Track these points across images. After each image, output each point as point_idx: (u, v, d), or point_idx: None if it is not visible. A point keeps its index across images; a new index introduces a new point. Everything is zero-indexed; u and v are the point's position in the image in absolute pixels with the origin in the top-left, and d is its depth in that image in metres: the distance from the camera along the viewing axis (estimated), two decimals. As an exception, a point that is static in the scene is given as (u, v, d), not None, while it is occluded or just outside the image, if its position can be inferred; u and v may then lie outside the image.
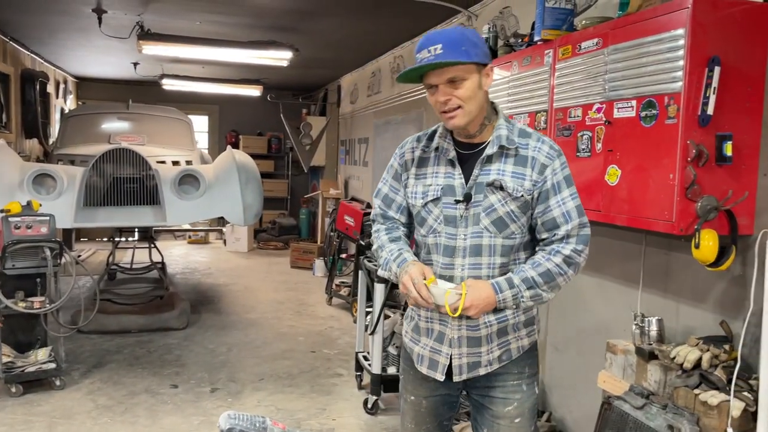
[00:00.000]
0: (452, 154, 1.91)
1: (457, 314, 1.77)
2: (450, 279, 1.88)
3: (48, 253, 3.96)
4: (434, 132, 1.98)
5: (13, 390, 3.87)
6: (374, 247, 2.06)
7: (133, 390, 4.09)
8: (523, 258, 1.93)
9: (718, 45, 2.23)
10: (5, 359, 3.95)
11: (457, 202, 1.87)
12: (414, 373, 2.04)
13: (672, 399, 2.38)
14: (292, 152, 10.90)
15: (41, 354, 4.12)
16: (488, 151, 1.86)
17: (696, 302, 2.65)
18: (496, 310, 1.87)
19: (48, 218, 4.02)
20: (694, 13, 2.22)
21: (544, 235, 1.88)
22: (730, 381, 2.22)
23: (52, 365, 4.04)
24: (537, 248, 1.91)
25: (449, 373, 1.94)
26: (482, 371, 1.93)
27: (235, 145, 11.26)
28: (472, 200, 1.86)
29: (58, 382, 4.04)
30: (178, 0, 5.18)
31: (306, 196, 10.78)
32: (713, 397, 2.21)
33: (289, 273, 8.42)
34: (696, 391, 2.28)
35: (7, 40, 6.97)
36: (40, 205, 4.17)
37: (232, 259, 9.51)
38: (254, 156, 11.10)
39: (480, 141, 1.89)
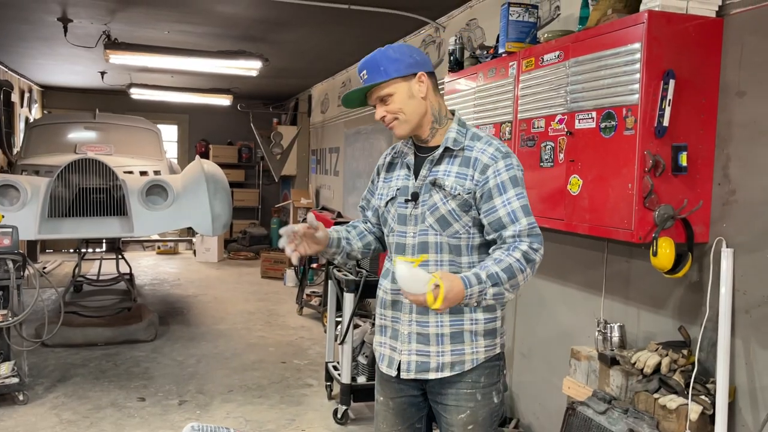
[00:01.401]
0: (408, 158, 2.04)
1: (437, 305, 1.67)
2: None
3: (11, 265, 3.89)
4: None
5: (-26, 406, 3.78)
6: None
7: (98, 404, 4.02)
8: (476, 261, 1.93)
9: (673, 58, 2.31)
10: (-34, 374, 3.87)
11: (407, 201, 1.98)
12: (380, 374, 2.09)
13: (633, 403, 2.43)
14: (262, 161, 10.86)
15: (4, 368, 4.03)
16: (436, 154, 1.96)
17: (656, 308, 2.71)
18: (451, 311, 1.90)
19: (11, 230, 3.95)
20: (649, 28, 2.30)
21: (492, 236, 1.91)
22: (688, 385, 2.28)
23: (15, 380, 3.96)
24: (490, 250, 1.92)
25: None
26: (432, 375, 1.94)
27: (206, 155, 11.18)
28: (420, 200, 1.95)
29: (21, 397, 3.96)
30: (146, 9, 5.15)
31: (277, 206, 10.75)
32: (672, 401, 2.27)
33: (260, 283, 8.37)
34: (655, 395, 2.35)
35: (-30, 49, 6.84)
36: (3, 216, 4.09)
37: (202, 269, 9.42)
38: (225, 165, 11.12)
39: (434, 144, 2.00)
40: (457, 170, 1.92)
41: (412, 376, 1.97)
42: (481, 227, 1.93)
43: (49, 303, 6.21)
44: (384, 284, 2.05)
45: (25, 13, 5.36)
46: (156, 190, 5.06)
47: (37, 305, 4.18)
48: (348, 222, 2.26)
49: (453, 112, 2.04)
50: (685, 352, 2.42)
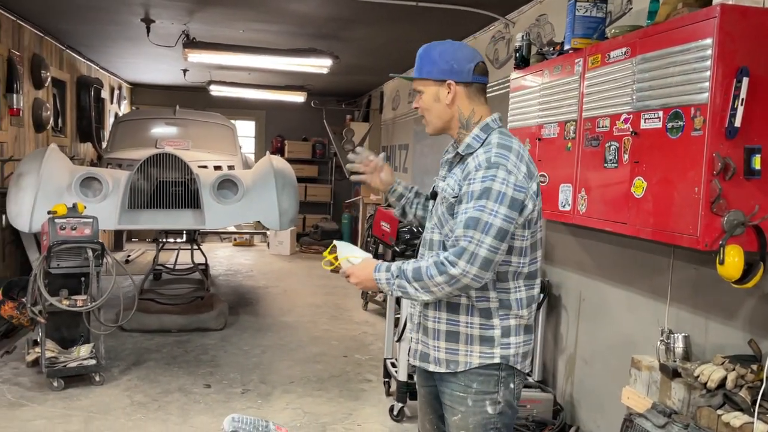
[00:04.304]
0: (445, 157, 2.13)
1: (330, 268, 2.10)
2: None
3: (90, 253, 4.12)
4: None
5: (55, 384, 4.03)
6: None
7: (167, 388, 4.21)
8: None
9: (747, 55, 2.17)
10: (49, 354, 4.13)
11: (427, 199, 2.18)
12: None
13: (695, 419, 2.31)
14: (335, 157, 11.02)
15: (83, 350, 4.29)
16: (449, 156, 2.10)
17: (725, 320, 2.56)
18: (448, 310, 1.96)
19: (91, 220, 4.19)
20: (722, 23, 2.17)
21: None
22: (755, 402, 2.14)
23: (93, 362, 4.20)
24: None
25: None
26: (431, 367, 2.01)
27: (281, 150, 11.46)
28: (437, 199, 2.04)
29: (97, 378, 4.19)
30: (222, 9, 5.33)
31: (347, 201, 10.88)
32: (736, 419, 2.14)
33: (329, 277, 8.50)
34: (719, 411, 2.22)
35: (64, 49, 7.29)
36: (85, 207, 4.34)
37: (275, 262, 9.67)
38: (299, 161, 11.48)
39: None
40: (459, 174, 1.95)
41: (416, 363, 2.08)
42: None
43: (131, 290, 6.53)
44: None
45: (111, 15, 5.67)
46: (227, 185, 5.23)
47: (117, 292, 4.42)
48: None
49: (482, 119, 2.01)
50: (754, 367, 2.28)
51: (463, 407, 1.95)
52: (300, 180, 11.44)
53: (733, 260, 2.16)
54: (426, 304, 2.00)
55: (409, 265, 1.87)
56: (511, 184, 1.82)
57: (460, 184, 1.91)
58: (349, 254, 2.07)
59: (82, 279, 4.27)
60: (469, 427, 1.94)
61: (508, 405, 1.97)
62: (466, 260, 1.78)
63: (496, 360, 1.94)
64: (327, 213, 11.76)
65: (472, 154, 1.94)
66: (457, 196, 1.90)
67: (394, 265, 1.90)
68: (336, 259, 2.07)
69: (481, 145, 1.94)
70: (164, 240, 7.23)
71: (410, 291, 1.86)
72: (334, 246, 2.13)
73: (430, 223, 2.06)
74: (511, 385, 1.97)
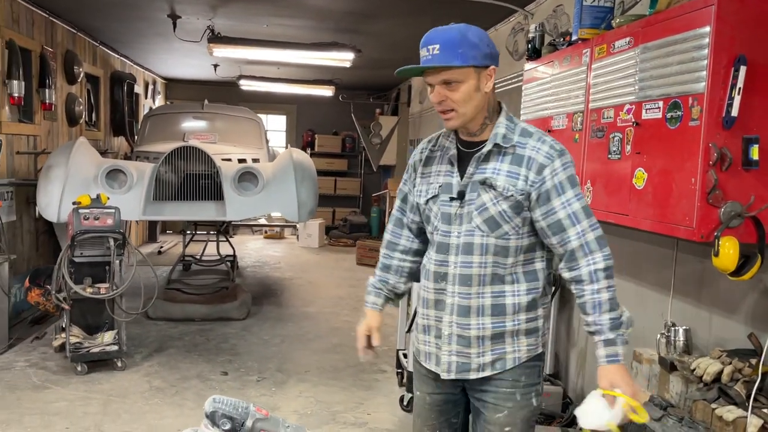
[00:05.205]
0: (452, 152, 1.91)
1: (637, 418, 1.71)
2: (443, 276, 1.89)
3: (112, 243, 4.26)
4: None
5: (79, 368, 4.19)
6: None
7: (186, 374, 4.32)
8: (521, 261, 1.87)
9: (744, 43, 2.13)
10: (74, 339, 4.28)
11: (452, 199, 1.87)
12: (420, 369, 2.06)
13: (691, 412, 2.28)
14: (365, 151, 11.08)
15: (107, 337, 4.43)
16: (484, 150, 1.84)
17: (728, 313, 2.52)
18: (493, 314, 1.85)
19: (113, 211, 4.32)
20: (719, 11, 2.13)
21: (553, 240, 1.82)
22: (749, 396, 2.11)
23: (115, 347, 4.34)
24: (561, 264, 1.85)
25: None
26: (473, 375, 1.90)
27: (311, 144, 11.58)
28: (466, 198, 1.85)
29: (119, 363, 4.33)
30: (245, 4, 5.42)
31: (376, 195, 10.93)
32: (729, 413, 2.11)
33: (354, 270, 8.57)
34: (713, 405, 2.19)
35: (98, 45, 7.50)
36: (108, 198, 4.48)
37: (303, 254, 9.79)
38: (329, 155, 11.58)
39: (481, 140, 1.87)
40: (508, 169, 1.81)
41: (452, 376, 1.91)
42: (532, 228, 1.85)
43: (161, 280, 6.70)
44: (426, 284, 1.96)
45: (140, 11, 5.81)
46: (248, 177, 5.32)
47: (146, 282, 4.56)
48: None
49: (500, 105, 1.90)
50: (753, 361, 2.24)
51: (511, 402, 1.88)
52: (330, 174, 11.70)
53: (727, 252, 2.13)
54: (465, 313, 1.87)
55: (598, 310, 1.77)
56: (574, 166, 1.85)
57: (529, 181, 1.79)
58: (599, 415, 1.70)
59: (107, 268, 4.42)
60: (516, 422, 1.89)
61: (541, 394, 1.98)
62: (604, 245, 1.80)
63: (539, 350, 1.92)
64: (356, 206, 11.84)
65: (514, 146, 1.82)
66: (524, 193, 1.79)
67: (604, 327, 1.76)
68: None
69: (516, 134, 1.84)
70: (192, 232, 7.39)
71: (623, 318, 1.79)
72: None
73: (458, 226, 1.86)
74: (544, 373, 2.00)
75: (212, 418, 1.67)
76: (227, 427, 1.66)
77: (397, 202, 2.13)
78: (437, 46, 1.76)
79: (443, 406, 2.03)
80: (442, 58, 1.75)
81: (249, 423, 1.65)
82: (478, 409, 1.96)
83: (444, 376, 1.93)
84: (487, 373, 1.88)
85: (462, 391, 2.01)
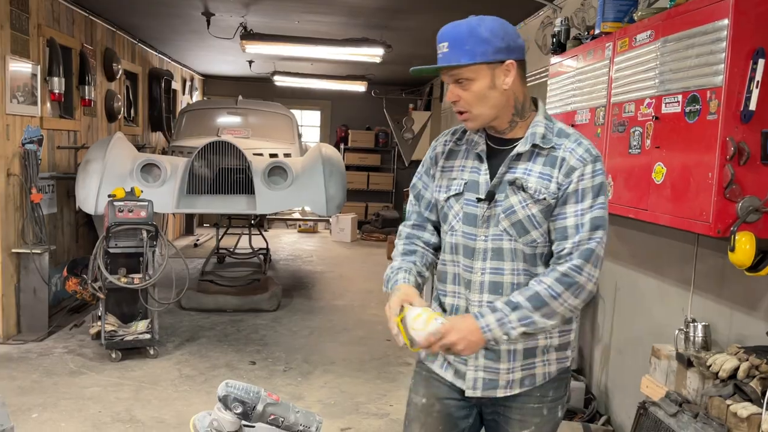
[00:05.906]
0: (481, 147, 1.76)
1: (422, 347, 1.59)
2: (468, 283, 1.75)
3: (145, 234, 4.40)
4: None
5: (113, 356, 4.35)
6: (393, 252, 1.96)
7: (215, 363, 4.44)
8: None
9: (763, 36, 2.09)
10: (109, 328, 4.44)
11: (479, 200, 1.72)
12: (427, 373, 1.87)
13: (706, 408, 2.27)
14: (397, 146, 11.11)
15: (141, 325, 4.58)
16: (519, 148, 1.70)
17: (749, 309, 2.49)
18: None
19: (147, 203, 4.46)
20: (737, 3, 2.10)
21: (553, 246, 1.70)
22: (765, 393, 2.08)
23: (148, 336, 4.49)
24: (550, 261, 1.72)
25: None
26: (500, 393, 1.76)
27: (345, 140, 11.67)
28: (495, 199, 1.71)
29: (152, 351, 4.48)
30: (276, 1, 5.51)
31: (406, 190, 10.95)
32: (744, 409, 2.09)
33: (385, 264, 8.52)
34: (728, 401, 2.17)
35: (136, 42, 7.71)
36: (142, 191, 4.62)
37: (335, 248, 9.89)
38: (362, 150, 11.66)
39: (512, 137, 1.74)
40: (540, 170, 1.68)
41: (478, 394, 1.77)
42: None
43: (196, 272, 6.88)
44: (442, 287, 1.83)
45: (175, 9, 5.97)
46: (278, 171, 5.42)
47: (178, 273, 4.70)
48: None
49: (536, 102, 1.78)
50: (771, 358, 2.21)
51: (538, 418, 1.79)
52: (363, 168, 11.78)
53: (744, 247, 2.10)
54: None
55: (518, 296, 1.63)
56: (605, 174, 1.71)
57: (558, 183, 1.66)
58: (417, 319, 1.60)
59: (140, 259, 4.57)
60: None
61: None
62: (593, 263, 1.63)
63: (568, 363, 1.83)
64: (389, 201, 11.89)
65: (553, 147, 1.69)
66: (556, 196, 1.66)
67: (498, 303, 1.63)
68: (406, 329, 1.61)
69: (554, 134, 1.71)
70: (226, 225, 7.55)
71: (538, 322, 1.61)
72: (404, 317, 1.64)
73: (484, 229, 1.72)
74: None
75: (225, 401, 1.75)
76: (239, 410, 1.73)
77: (410, 198, 1.97)
78: (446, 44, 1.67)
79: (455, 414, 1.84)
80: (450, 57, 1.65)
81: (260, 407, 1.72)
82: (499, 424, 1.84)
83: (469, 393, 1.78)
84: (516, 390, 1.76)
85: (472, 405, 1.86)
